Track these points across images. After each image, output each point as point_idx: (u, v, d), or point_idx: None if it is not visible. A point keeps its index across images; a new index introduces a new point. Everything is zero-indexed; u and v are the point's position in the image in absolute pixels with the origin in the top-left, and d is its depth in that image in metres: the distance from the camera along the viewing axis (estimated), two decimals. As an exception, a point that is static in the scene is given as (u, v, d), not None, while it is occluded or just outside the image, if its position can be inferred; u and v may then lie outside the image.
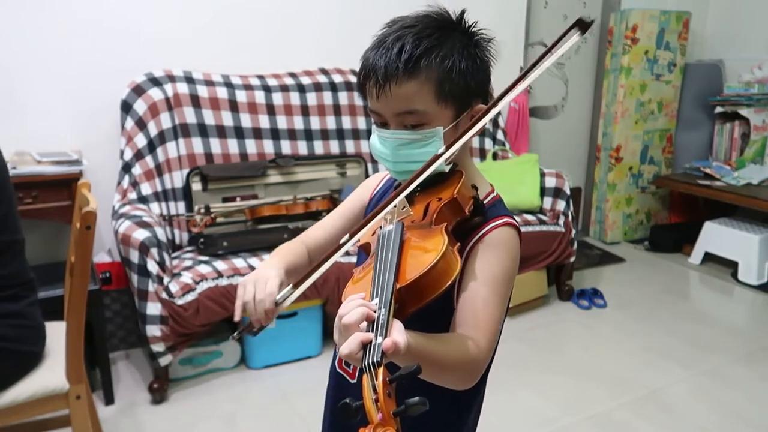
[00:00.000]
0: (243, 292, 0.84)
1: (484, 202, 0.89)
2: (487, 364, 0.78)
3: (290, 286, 0.83)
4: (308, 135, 2.90)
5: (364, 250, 0.85)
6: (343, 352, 0.60)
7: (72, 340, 1.49)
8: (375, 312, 0.63)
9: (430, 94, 0.81)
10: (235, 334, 0.86)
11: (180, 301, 2.17)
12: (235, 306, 0.85)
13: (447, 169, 0.86)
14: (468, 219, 0.83)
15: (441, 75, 0.81)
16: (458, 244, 0.75)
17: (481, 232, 0.84)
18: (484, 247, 0.83)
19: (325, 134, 2.94)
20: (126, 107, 2.54)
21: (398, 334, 0.61)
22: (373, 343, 0.59)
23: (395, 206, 0.81)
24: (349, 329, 0.62)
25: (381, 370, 0.55)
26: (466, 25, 0.87)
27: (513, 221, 0.87)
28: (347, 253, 0.93)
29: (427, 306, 0.69)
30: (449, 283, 0.68)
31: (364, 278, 0.72)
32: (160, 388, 2.23)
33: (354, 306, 0.64)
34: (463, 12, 0.87)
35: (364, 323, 0.63)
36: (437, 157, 0.79)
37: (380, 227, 0.79)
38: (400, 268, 0.69)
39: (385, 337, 0.60)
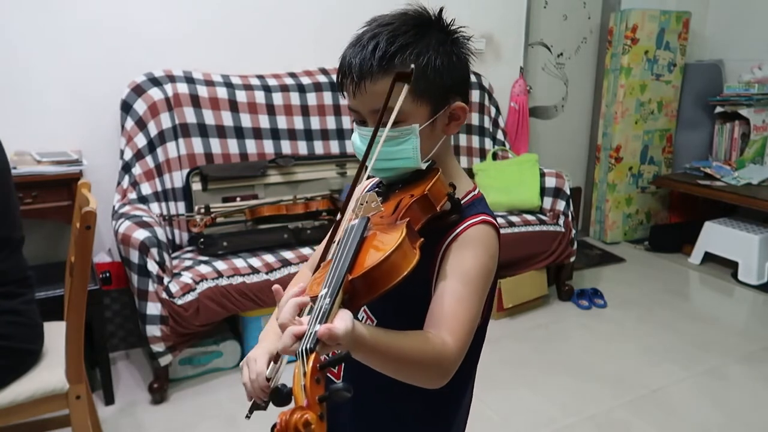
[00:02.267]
0: (242, 375, 0.87)
1: (462, 200, 0.88)
2: (457, 361, 0.77)
3: (272, 363, 0.84)
4: (308, 135, 2.90)
5: None
6: (278, 348, 0.62)
7: (72, 340, 1.49)
8: (309, 301, 0.64)
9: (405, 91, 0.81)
10: (247, 412, 0.87)
11: (180, 301, 2.17)
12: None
13: (424, 166, 0.86)
14: (441, 216, 0.82)
15: (416, 72, 0.81)
16: (421, 239, 0.74)
17: (457, 230, 0.84)
18: (458, 244, 0.83)
19: (325, 134, 2.94)
20: (126, 107, 2.54)
21: (339, 320, 0.61)
22: (309, 332, 0.59)
23: (366, 201, 0.81)
24: (284, 328, 0.63)
25: (312, 356, 0.55)
26: (444, 23, 0.87)
27: (490, 219, 0.87)
28: None
29: (403, 303, 0.69)
30: (402, 276, 0.68)
31: (324, 271, 0.72)
32: (160, 388, 2.23)
33: (285, 301, 0.66)
34: (441, 10, 0.87)
35: (305, 317, 0.63)
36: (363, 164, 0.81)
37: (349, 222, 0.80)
38: (356, 260, 0.69)
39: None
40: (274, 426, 0.50)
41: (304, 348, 0.57)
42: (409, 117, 0.83)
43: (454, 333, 0.76)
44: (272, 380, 0.83)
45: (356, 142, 0.89)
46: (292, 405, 0.54)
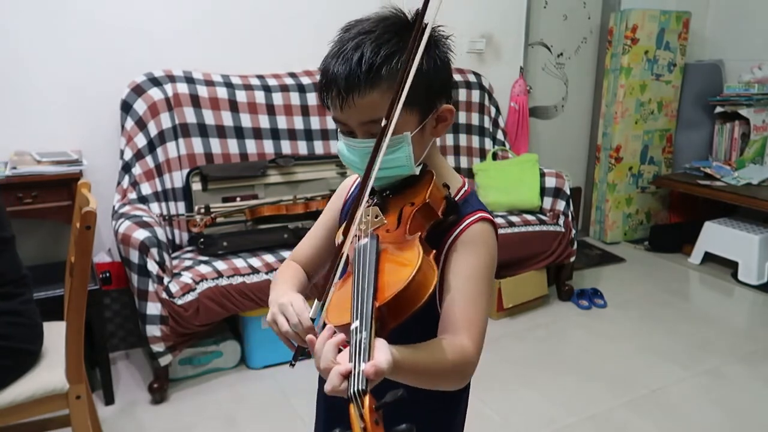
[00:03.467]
0: (277, 327, 0.84)
1: (456, 198, 0.88)
2: (477, 361, 0.79)
3: (316, 301, 0.82)
4: (308, 135, 2.90)
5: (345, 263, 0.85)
6: (326, 390, 0.61)
7: (72, 340, 1.49)
8: (349, 338, 0.63)
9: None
10: (291, 360, 0.85)
11: (180, 301, 2.17)
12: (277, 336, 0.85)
13: (417, 171, 0.86)
14: (442, 220, 0.82)
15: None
16: (434, 251, 0.74)
17: (457, 231, 0.84)
18: (460, 246, 0.84)
19: (325, 134, 2.94)
20: (126, 107, 2.54)
21: (380, 353, 0.61)
22: (355, 371, 0.58)
23: (368, 216, 0.81)
24: (327, 371, 0.62)
25: (367, 398, 0.55)
26: (424, 26, 0.86)
27: (487, 215, 0.87)
28: None
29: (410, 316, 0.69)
30: (428, 295, 0.68)
31: (344, 296, 0.71)
32: (160, 388, 2.23)
33: (321, 346, 0.65)
34: (417, 12, 0.85)
35: (345, 352, 0.62)
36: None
37: (357, 239, 0.78)
38: (378, 285, 0.69)
39: (368, 360, 0.59)
40: None
41: (356, 390, 0.56)
42: (400, 126, 0.81)
43: (471, 335, 0.78)
44: (317, 320, 0.81)
45: (344, 152, 0.88)
46: None
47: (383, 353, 0.61)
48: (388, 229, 0.79)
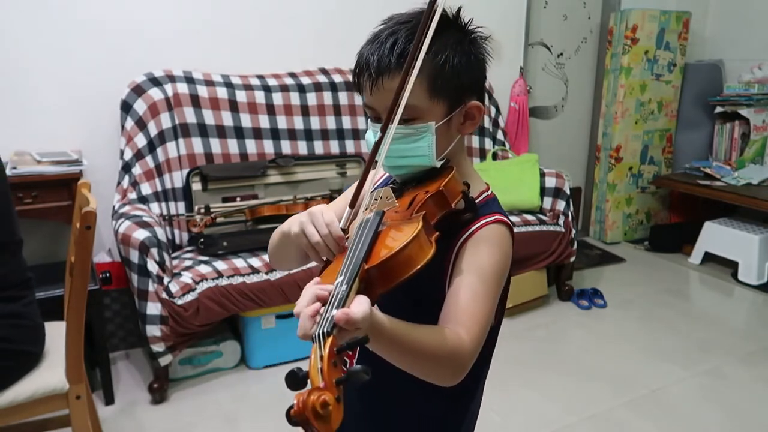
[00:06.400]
0: (306, 239, 0.79)
1: (477, 200, 0.88)
2: (472, 358, 0.76)
3: (348, 209, 0.81)
4: (308, 135, 2.90)
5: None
6: (299, 335, 0.60)
7: (72, 340, 1.49)
8: (330, 292, 0.62)
9: (422, 88, 0.81)
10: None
11: (180, 301, 2.17)
12: (310, 254, 0.81)
13: (438, 165, 0.86)
14: (456, 214, 0.82)
15: (433, 70, 0.81)
16: (437, 233, 0.74)
17: (472, 229, 0.84)
18: (473, 243, 0.83)
19: (325, 134, 2.94)
20: (126, 107, 2.54)
21: (356, 305, 0.60)
22: (325, 315, 0.58)
23: (381, 197, 0.81)
24: (298, 315, 0.62)
25: (330, 339, 0.54)
26: (462, 23, 0.87)
27: (505, 219, 0.87)
28: None
29: (415, 300, 0.68)
30: (419, 267, 0.68)
31: (339, 263, 0.71)
32: (160, 388, 2.23)
33: (303, 293, 0.65)
34: (459, 9, 0.88)
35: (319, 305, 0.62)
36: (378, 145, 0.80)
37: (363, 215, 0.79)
38: (372, 250, 0.69)
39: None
40: (291, 408, 0.49)
41: (320, 331, 0.56)
42: (425, 114, 0.83)
43: (470, 329, 0.76)
44: (348, 232, 0.80)
45: (370, 139, 0.89)
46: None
47: (360, 305, 0.60)
48: (397, 210, 0.80)
